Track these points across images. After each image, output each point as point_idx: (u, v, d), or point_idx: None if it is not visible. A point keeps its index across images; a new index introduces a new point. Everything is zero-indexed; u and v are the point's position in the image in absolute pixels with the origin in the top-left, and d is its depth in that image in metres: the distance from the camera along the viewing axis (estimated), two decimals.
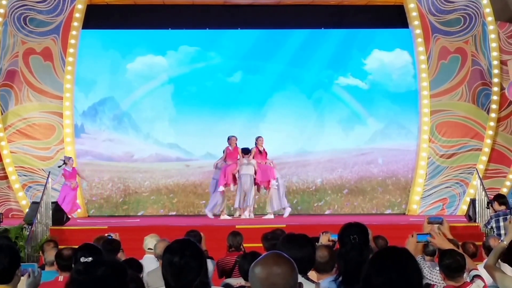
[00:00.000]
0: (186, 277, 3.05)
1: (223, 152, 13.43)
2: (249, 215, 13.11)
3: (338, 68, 15.23)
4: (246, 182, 13.11)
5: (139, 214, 14.74)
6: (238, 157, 13.23)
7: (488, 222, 9.83)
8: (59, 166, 13.23)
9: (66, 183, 13.06)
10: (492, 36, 14.28)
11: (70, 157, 13.43)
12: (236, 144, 13.36)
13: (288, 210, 13.39)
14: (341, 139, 15.21)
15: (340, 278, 3.81)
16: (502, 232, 9.14)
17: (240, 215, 13.23)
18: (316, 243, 5.22)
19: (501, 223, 9.27)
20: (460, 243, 6.40)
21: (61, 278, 5.07)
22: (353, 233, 3.96)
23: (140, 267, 5.26)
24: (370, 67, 15.20)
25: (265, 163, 13.38)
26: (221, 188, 13.12)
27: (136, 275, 4.70)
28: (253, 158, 13.24)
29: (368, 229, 4.13)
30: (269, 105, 15.15)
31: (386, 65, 15.19)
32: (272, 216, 13.21)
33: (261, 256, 2.56)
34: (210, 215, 13.20)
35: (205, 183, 14.48)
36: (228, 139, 13.40)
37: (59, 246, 6.41)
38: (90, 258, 3.99)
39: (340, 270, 3.90)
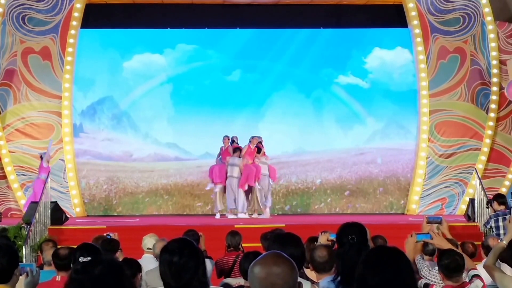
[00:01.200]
0: (186, 276, 3.05)
1: (242, 150, 13.24)
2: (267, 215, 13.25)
3: (338, 67, 15.21)
4: (265, 183, 13.22)
5: (137, 213, 14.71)
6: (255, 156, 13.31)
7: (488, 222, 9.84)
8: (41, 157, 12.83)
9: (40, 176, 12.47)
10: (491, 35, 14.28)
11: (47, 153, 12.98)
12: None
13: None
14: (340, 138, 15.21)
15: (339, 278, 3.80)
16: (502, 232, 9.15)
17: (251, 215, 13.24)
18: (315, 243, 5.22)
19: (500, 223, 9.27)
20: (459, 243, 6.41)
21: (58, 277, 5.04)
22: (351, 233, 3.96)
23: (139, 267, 5.25)
24: (371, 66, 15.18)
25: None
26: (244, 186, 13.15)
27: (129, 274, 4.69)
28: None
29: (366, 228, 4.12)
30: (268, 104, 15.15)
31: (387, 64, 15.17)
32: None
33: (260, 256, 2.55)
34: (244, 215, 13.09)
35: (203, 182, 14.45)
36: (251, 139, 13.39)
37: (58, 246, 6.38)
38: (89, 258, 3.97)
39: (339, 270, 3.89)
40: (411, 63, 14.93)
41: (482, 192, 11.83)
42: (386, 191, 14.99)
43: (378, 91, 15.12)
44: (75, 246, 5.03)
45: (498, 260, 6.39)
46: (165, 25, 15.01)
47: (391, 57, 15.18)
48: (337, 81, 15.18)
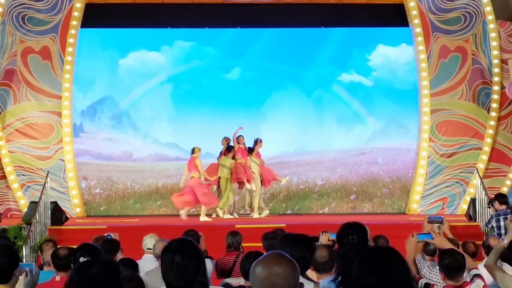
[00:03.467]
0: (188, 276, 3.07)
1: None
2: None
3: (341, 64, 15.13)
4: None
5: (138, 213, 14.69)
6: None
7: (489, 222, 9.83)
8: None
9: (192, 175, 12.77)
10: (493, 34, 14.26)
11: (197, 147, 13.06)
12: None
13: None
14: (340, 138, 15.17)
15: (339, 278, 3.79)
16: (503, 231, 9.16)
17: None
18: (316, 243, 5.20)
19: (502, 223, 9.28)
20: (460, 243, 6.39)
21: (58, 278, 5.02)
22: (351, 233, 3.95)
23: (135, 267, 5.22)
24: (375, 63, 15.11)
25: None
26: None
27: (136, 275, 4.68)
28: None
29: (366, 228, 4.11)
30: (269, 104, 15.12)
31: (391, 61, 15.09)
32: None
33: (262, 256, 2.54)
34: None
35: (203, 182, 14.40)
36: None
37: (58, 246, 6.36)
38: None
39: (339, 270, 3.88)
40: (415, 61, 14.85)
41: (483, 192, 11.83)
42: (388, 191, 14.95)
43: (381, 90, 15.07)
44: (74, 247, 5.01)
45: (500, 260, 6.38)
46: (165, 25, 14.99)
47: (395, 54, 15.10)
48: (340, 79, 15.13)
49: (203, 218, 12.50)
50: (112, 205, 14.79)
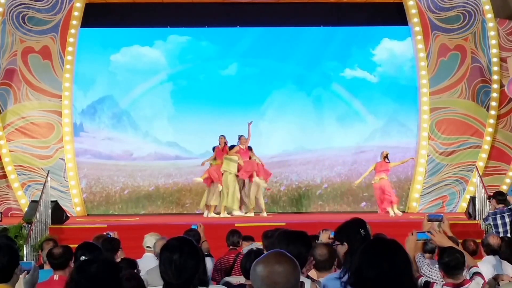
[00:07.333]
0: (186, 274, 3.07)
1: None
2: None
3: (344, 61, 15.12)
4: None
5: (138, 212, 14.71)
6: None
7: (486, 219, 9.88)
8: None
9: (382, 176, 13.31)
10: (492, 33, 14.27)
11: None
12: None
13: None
14: (340, 137, 15.17)
15: (347, 276, 3.77)
16: (500, 230, 9.23)
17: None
18: (316, 241, 5.21)
19: (498, 221, 9.36)
20: (460, 241, 6.40)
21: (56, 277, 5.01)
22: (360, 227, 3.94)
23: (134, 265, 5.23)
24: (379, 58, 15.11)
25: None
26: None
27: (135, 273, 4.69)
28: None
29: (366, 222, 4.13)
30: (269, 102, 15.14)
31: (395, 57, 15.09)
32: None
33: (263, 255, 2.56)
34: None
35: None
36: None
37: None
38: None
39: (346, 268, 3.84)
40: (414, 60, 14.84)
41: (483, 190, 11.83)
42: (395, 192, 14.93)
43: (383, 87, 15.04)
44: (71, 245, 5.02)
45: (499, 258, 6.40)
46: (166, 24, 15.01)
47: (400, 49, 15.08)
48: (343, 75, 15.10)
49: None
50: (112, 204, 14.81)
